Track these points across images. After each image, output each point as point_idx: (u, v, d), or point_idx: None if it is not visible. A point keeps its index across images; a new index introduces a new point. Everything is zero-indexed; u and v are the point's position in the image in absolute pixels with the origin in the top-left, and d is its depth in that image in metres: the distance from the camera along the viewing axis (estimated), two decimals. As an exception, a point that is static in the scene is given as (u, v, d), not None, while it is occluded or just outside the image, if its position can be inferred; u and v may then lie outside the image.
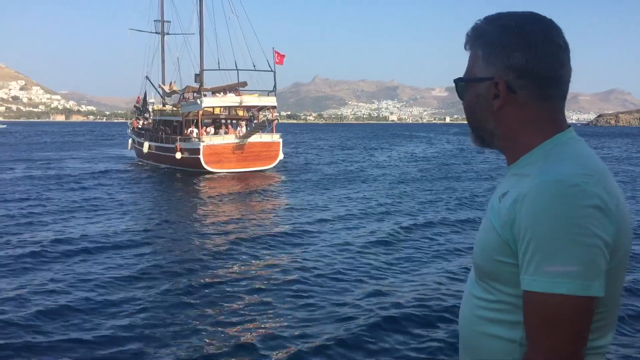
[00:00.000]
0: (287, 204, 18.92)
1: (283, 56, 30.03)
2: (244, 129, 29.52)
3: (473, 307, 1.38)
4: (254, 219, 16.03)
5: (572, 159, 1.26)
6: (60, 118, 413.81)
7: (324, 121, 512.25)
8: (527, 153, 1.34)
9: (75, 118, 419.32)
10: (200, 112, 29.16)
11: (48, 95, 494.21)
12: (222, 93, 30.47)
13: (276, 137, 29.46)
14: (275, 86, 30.21)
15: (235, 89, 30.46)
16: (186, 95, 32.80)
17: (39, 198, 19.93)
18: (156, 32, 41.69)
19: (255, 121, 29.76)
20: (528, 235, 1.19)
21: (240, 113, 31.97)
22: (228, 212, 17.47)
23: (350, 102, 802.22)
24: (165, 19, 41.28)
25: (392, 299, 8.44)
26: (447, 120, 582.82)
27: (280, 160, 29.96)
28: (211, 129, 30.45)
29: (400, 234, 13.44)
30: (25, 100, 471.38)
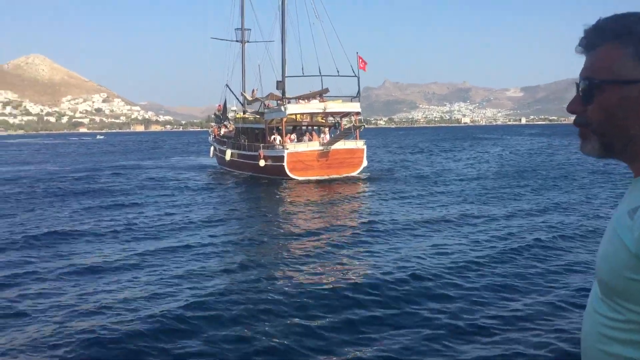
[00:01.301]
0: (370, 210, 18.76)
1: (366, 62, 29.35)
2: (327, 136, 29.12)
3: (597, 324, 1.29)
4: (338, 225, 16.06)
5: None
6: (140, 128, 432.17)
7: (394, 125, 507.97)
8: None
9: (154, 128, 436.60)
10: (284, 120, 28.97)
11: (128, 107, 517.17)
12: (305, 100, 30.21)
13: (360, 144, 28.87)
14: (359, 92, 29.63)
15: (318, 95, 30.10)
16: (267, 102, 32.77)
17: (130, 204, 20.50)
18: (237, 41, 42.15)
19: (339, 127, 29.31)
20: None
21: (321, 120, 31.64)
22: (311, 217, 17.68)
23: (421, 105, 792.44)
24: (245, 26, 41.64)
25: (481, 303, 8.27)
26: (523, 121, 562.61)
27: (364, 167, 29.35)
28: (294, 136, 30.24)
29: (480, 240, 13.22)
30: (107, 112, 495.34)
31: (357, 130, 29.00)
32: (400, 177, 29.55)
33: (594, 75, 1.27)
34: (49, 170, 39.11)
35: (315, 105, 29.28)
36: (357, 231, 14.68)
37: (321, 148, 27.95)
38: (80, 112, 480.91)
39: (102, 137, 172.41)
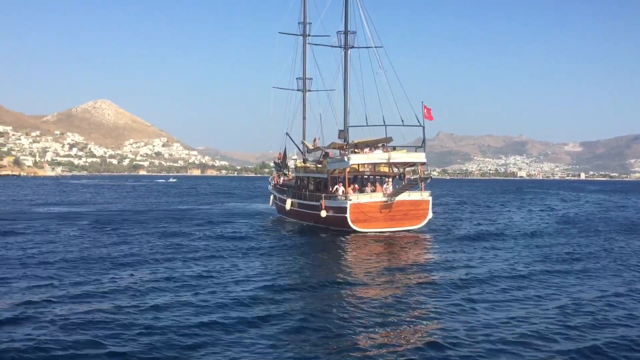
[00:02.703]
0: (428, 263, 18.56)
1: (429, 109, 28.43)
2: (390, 187, 28.25)
3: None
4: (394, 275, 15.97)
5: None
6: (196, 172, 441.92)
7: (448, 177, 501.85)
8: None
9: (210, 172, 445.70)
10: (347, 169, 28.21)
11: (187, 151, 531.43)
12: (368, 149, 29.43)
13: (425, 195, 27.84)
14: (424, 141, 28.68)
15: (382, 144, 29.28)
16: (329, 151, 32.22)
17: (193, 246, 20.20)
18: (298, 90, 42.14)
19: (404, 178, 28.43)
20: None
21: (383, 169, 30.78)
22: (368, 266, 17.72)
23: (475, 158, 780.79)
24: (307, 75, 41.63)
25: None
26: (582, 176, 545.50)
27: (429, 220, 28.21)
28: (357, 187, 29.44)
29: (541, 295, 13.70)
30: (166, 155, 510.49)
31: (423, 182, 27.99)
32: (460, 230, 28.85)
33: None
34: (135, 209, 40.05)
35: (379, 155, 28.41)
36: (415, 283, 15.04)
37: (385, 199, 27.04)
38: (141, 156, 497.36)
39: (174, 180, 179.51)
